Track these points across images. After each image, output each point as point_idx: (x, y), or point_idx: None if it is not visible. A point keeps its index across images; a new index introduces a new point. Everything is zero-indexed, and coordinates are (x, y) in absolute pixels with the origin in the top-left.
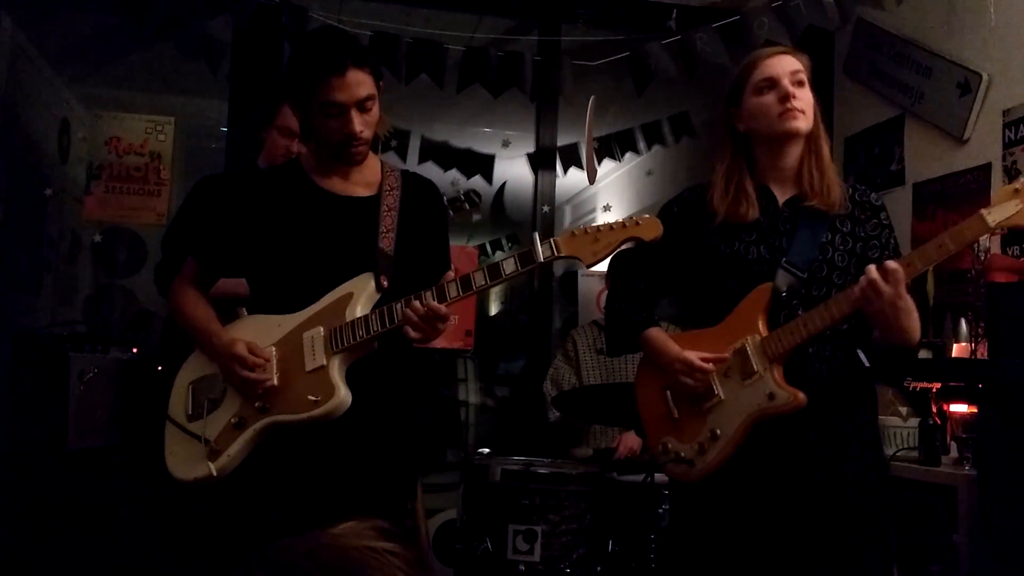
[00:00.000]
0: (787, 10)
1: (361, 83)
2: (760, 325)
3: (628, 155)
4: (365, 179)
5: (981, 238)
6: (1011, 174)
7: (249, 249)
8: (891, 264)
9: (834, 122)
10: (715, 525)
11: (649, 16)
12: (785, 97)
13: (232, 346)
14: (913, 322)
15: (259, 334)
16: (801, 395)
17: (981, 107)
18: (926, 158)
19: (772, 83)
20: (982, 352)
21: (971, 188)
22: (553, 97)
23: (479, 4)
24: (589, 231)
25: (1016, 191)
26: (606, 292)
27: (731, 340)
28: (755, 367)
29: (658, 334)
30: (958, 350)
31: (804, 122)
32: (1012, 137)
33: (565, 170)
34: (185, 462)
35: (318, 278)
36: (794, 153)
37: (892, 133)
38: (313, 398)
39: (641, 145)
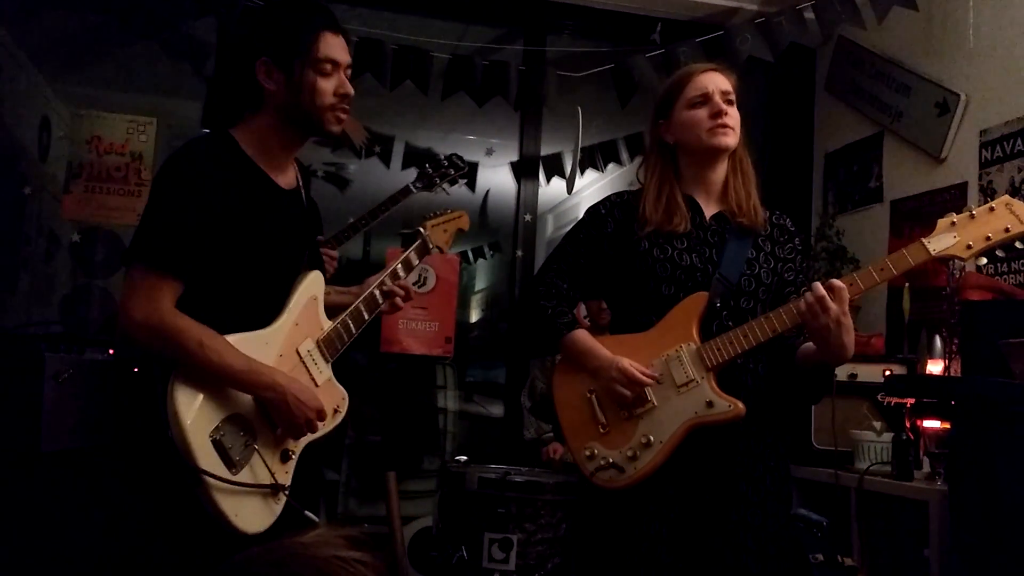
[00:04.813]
0: (770, 27)
1: (346, 49)
2: (694, 333)
3: (611, 166)
4: (290, 163)
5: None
6: (987, 193)
7: (220, 253)
8: (836, 282)
9: (814, 138)
10: (635, 531)
11: (634, 29)
12: (717, 113)
13: (304, 391)
14: (851, 339)
15: (258, 358)
16: (741, 405)
17: (959, 127)
18: (904, 176)
19: (705, 99)
20: (956, 369)
21: (948, 207)
22: (537, 107)
23: (465, 13)
24: (439, 223)
25: (953, 223)
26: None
27: (664, 346)
28: (691, 375)
29: (586, 337)
30: (932, 366)
31: (732, 138)
32: (988, 157)
33: (548, 179)
34: (257, 514)
35: (279, 281)
36: (720, 169)
37: (871, 150)
38: (335, 408)
39: (624, 156)
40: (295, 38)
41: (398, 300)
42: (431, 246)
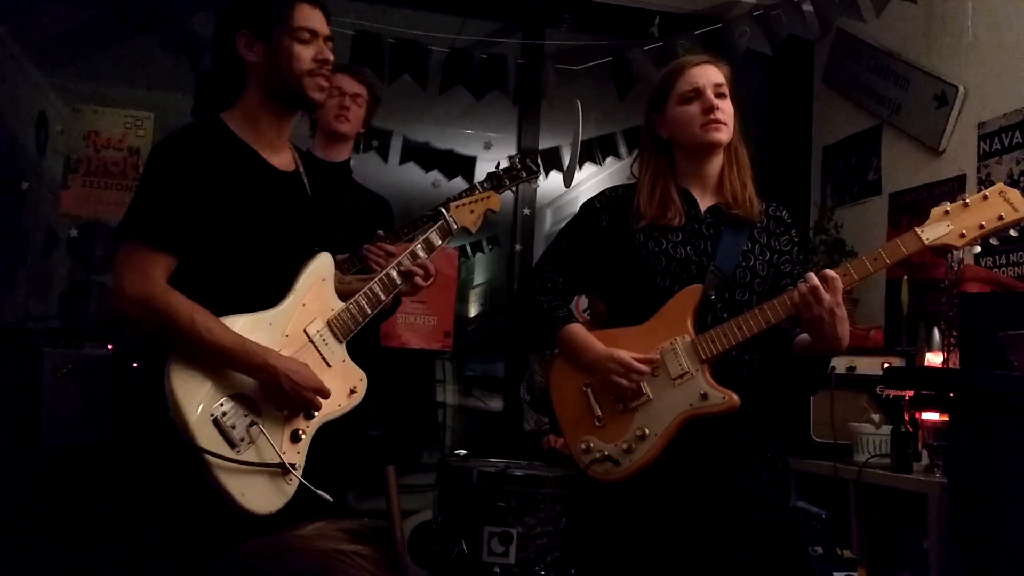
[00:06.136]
0: (768, 19)
1: (324, 21)
2: (689, 325)
3: (609, 159)
4: (285, 145)
5: (954, 252)
6: (986, 186)
7: (214, 231)
8: (830, 272)
9: (813, 131)
10: (632, 524)
11: (632, 22)
12: (709, 109)
13: (300, 371)
14: (846, 330)
15: (259, 338)
16: (735, 396)
17: (957, 119)
18: (903, 169)
19: (697, 93)
20: (954, 361)
21: (946, 199)
22: (535, 100)
23: (463, 6)
24: (465, 204)
25: (946, 212)
26: (580, 297)
27: (658, 339)
28: (686, 367)
29: (582, 331)
30: (931, 359)
31: (725, 133)
32: (987, 149)
33: (546, 173)
34: (266, 495)
35: (281, 263)
36: (715, 162)
37: (870, 143)
38: (351, 389)
39: (622, 150)
40: (272, 7)
41: (418, 280)
42: (455, 226)
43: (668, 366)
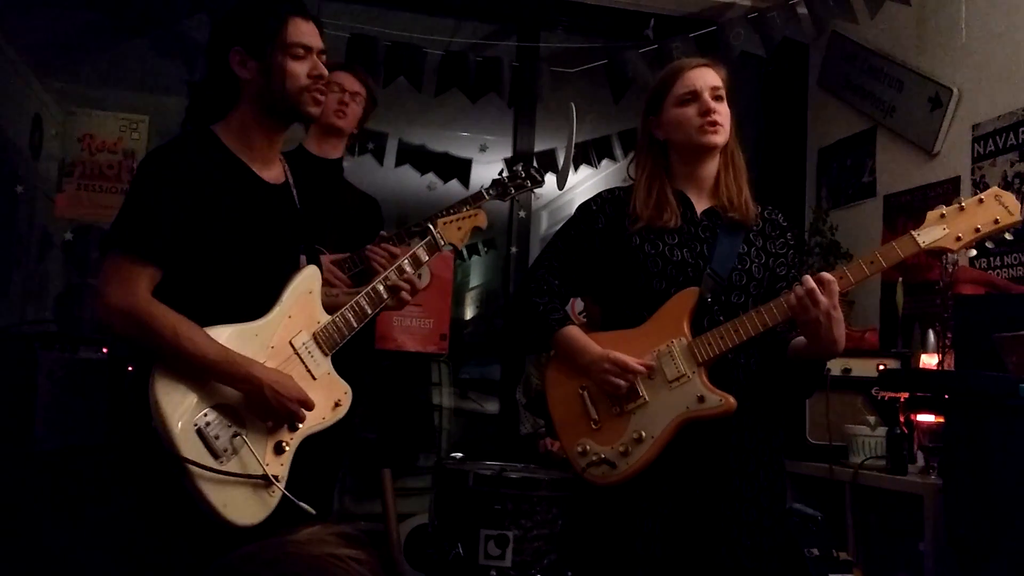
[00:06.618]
0: (763, 22)
1: (317, 35)
2: (685, 328)
3: (605, 162)
4: (276, 158)
5: (948, 254)
6: (980, 187)
7: (202, 245)
8: (827, 275)
9: (807, 133)
10: (629, 527)
11: (627, 24)
12: (706, 111)
13: (284, 382)
14: (842, 332)
15: (245, 349)
16: (732, 399)
17: (951, 121)
18: (897, 171)
19: (694, 96)
20: (949, 363)
21: (941, 201)
22: (531, 103)
23: (458, 9)
24: (452, 221)
25: (942, 216)
26: (576, 300)
27: (655, 342)
28: (683, 370)
29: (578, 333)
30: (926, 361)
31: (722, 136)
32: (981, 151)
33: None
34: (249, 506)
35: (269, 275)
36: (711, 164)
37: (864, 145)
38: (336, 402)
39: (618, 152)
40: (265, 24)
41: (404, 295)
42: (442, 243)
43: (665, 369)
